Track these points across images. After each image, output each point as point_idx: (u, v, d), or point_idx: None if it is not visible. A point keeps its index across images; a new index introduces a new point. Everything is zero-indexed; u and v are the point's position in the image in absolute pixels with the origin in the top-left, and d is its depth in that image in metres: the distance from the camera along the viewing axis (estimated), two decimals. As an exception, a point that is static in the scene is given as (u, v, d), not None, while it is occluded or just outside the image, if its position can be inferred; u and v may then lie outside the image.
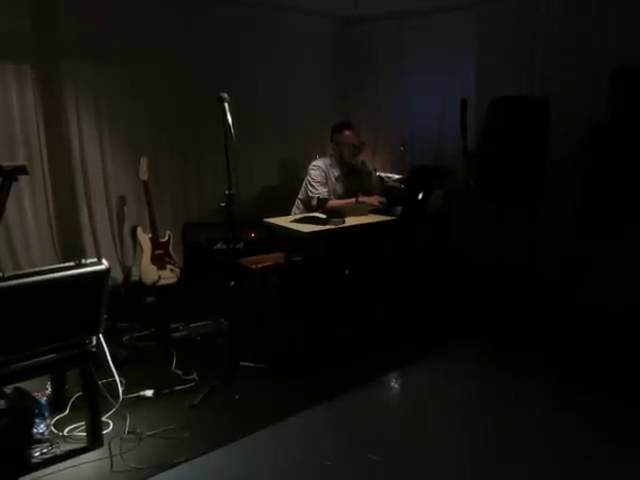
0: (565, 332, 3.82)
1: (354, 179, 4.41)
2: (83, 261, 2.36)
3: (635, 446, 2.58)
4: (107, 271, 2.40)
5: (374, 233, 3.99)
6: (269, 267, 3.90)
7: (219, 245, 4.96)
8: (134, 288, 4.61)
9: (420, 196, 4.26)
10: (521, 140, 4.14)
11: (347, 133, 4.25)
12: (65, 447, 2.51)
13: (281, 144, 5.72)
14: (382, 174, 5.01)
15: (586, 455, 2.53)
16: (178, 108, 4.95)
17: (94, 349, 2.51)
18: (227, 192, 3.10)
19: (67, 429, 2.61)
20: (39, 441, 2.50)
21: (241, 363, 3.24)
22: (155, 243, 4.69)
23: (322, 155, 4.51)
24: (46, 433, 2.55)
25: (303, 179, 4.34)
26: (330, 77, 6.14)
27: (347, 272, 4.01)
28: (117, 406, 2.63)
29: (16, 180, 3.02)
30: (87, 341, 2.49)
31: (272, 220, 3.84)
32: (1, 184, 2.97)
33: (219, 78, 4.84)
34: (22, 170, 3.04)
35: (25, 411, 2.51)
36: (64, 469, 2.37)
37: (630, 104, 3.63)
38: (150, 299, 4.45)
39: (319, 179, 4.22)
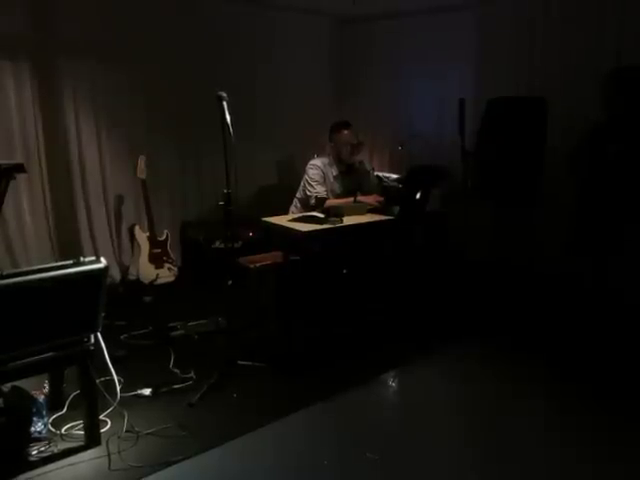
0: (565, 331, 3.83)
1: (352, 178, 4.41)
2: (81, 259, 2.36)
3: (636, 446, 2.58)
4: (105, 269, 2.39)
5: (372, 232, 3.99)
6: (267, 266, 3.89)
7: (217, 244, 4.96)
8: (132, 287, 4.62)
9: (418, 196, 4.28)
10: (519, 140, 4.16)
11: (345, 132, 4.25)
12: (63, 445, 2.51)
13: (279, 143, 5.73)
14: (380, 174, 5.02)
15: (586, 455, 2.53)
16: (177, 107, 4.95)
17: (92, 347, 2.50)
18: (225, 191, 3.10)
19: (65, 427, 2.61)
20: (37, 439, 2.50)
21: (239, 362, 3.24)
22: (153, 242, 4.70)
23: (320, 154, 4.51)
24: (44, 431, 2.55)
25: (301, 178, 4.34)
26: (328, 76, 6.15)
27: (345, 271, 4.01)
28: (115, 404, 2.62)
29: (14, 178, 3.01)
30: (85, 339, 2.49)
31: (270, 219, 3.84)
32: (-1, 182, 2.96)
33: (218, 77, 4.84)
34: (20, 168, 3.03)
35: (23, 409, 2.51)
36: (62, 467, 2.37)
37: (627, 105, 3.65)
38: (148, 298, 4.45)
39: (317, 178, 4.22)
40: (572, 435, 2.69)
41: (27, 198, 4.31)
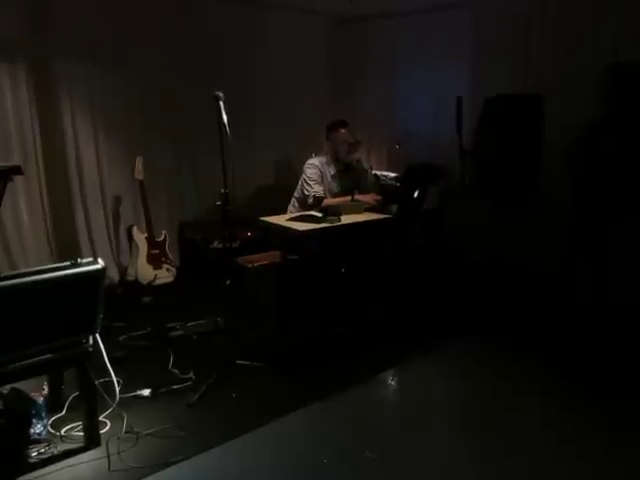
0: (563, 329, 3.83)
1: (350, 177, 4.42)
2: (79, 261, 2.36)
3: (634, 446, 2.59)
4: (103, 270, 2.39)
5: (370, 231, 4.00)
6: (265, 266, 3.90)
7: (215, 244, 4.96)
8: (130, 288, 4.62)
9: (416, 194, 4.28)
10: (516, 137, 4.16)
11: (342, 131, 4.26)
12: (62, 447, 2.51)
13: (277, 143, 5.73)
14: (378, 172, 5.02)
15: (584, 453, 2.53)
16: (173, 107, 4.94)
17: (91, 349, 2.51)
18: (223, 191, 3.10)
19: (64, 429, 2.61)
20: (36, 441, 2.50)
21: (238, 362, 3.25)
22: (151, 242, 4.70)
23: (318, 154, 4.51)
24: (43, 433, 2.55)
25: (299, 178, 4.34)
26: (326, 76, 6.15)
27: (343, 270, 4.02)
28: (114, 406, 2.62)
29: (11, 180, 3.01)
30: (84, 341, 2.49)
31: (268, 219, 3.85)
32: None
33: (215, 77, 4.83)
34: (17, 170, 3.03)
35: (22, 411, 2.51)
36: (61, 469, 2.37)
37: (623, 101, 3.65)
38: (146, 298, 4.45)
39: (315, 177, 4.23)
40: (570, 433, 2.69)
41: (25, 200, 4.30)
